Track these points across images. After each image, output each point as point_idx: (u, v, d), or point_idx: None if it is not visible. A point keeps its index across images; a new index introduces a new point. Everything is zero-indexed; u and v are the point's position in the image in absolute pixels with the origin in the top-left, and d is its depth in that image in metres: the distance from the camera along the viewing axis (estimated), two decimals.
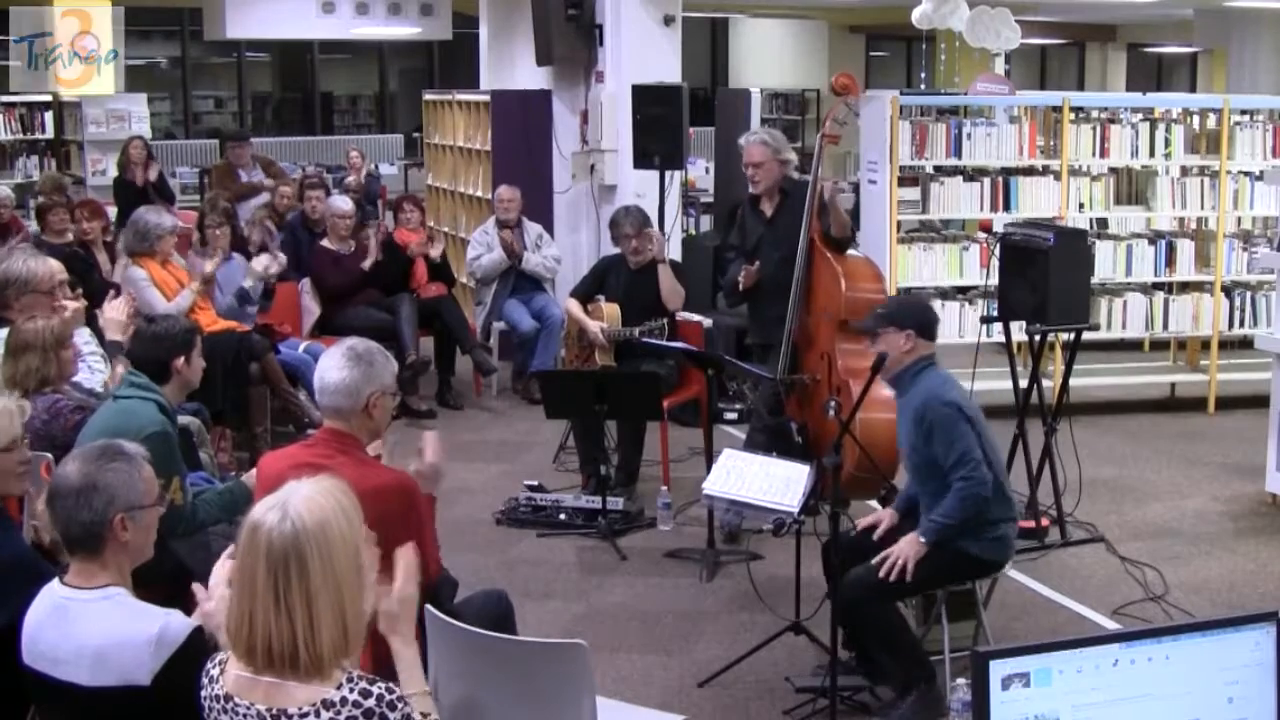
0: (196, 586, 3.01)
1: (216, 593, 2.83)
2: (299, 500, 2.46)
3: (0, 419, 3.56)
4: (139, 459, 2.98)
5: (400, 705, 2.46)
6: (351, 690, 2.43)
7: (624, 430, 6.79)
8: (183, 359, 4.47)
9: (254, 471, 4.69)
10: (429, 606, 3.36)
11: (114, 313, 5.54)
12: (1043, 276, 6.04)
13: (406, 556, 2.80)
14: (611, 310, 7.02)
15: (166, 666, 2.74)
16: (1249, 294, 8.65)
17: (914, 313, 4.66)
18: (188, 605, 2.95)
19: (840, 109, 6.27)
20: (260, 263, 7.77)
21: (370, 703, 2.42)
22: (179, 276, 7.29)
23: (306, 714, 2.41)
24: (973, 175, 8.44)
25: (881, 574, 4.37)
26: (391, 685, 2.49)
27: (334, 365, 3.57)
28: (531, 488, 6.68)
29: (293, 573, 2.40)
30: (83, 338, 5.41)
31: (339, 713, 2.41)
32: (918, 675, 4.46)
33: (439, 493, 3.84)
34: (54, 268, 5.54)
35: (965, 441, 4.39)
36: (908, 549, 4.38)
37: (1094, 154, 8.53)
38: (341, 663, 2.46)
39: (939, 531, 4.38)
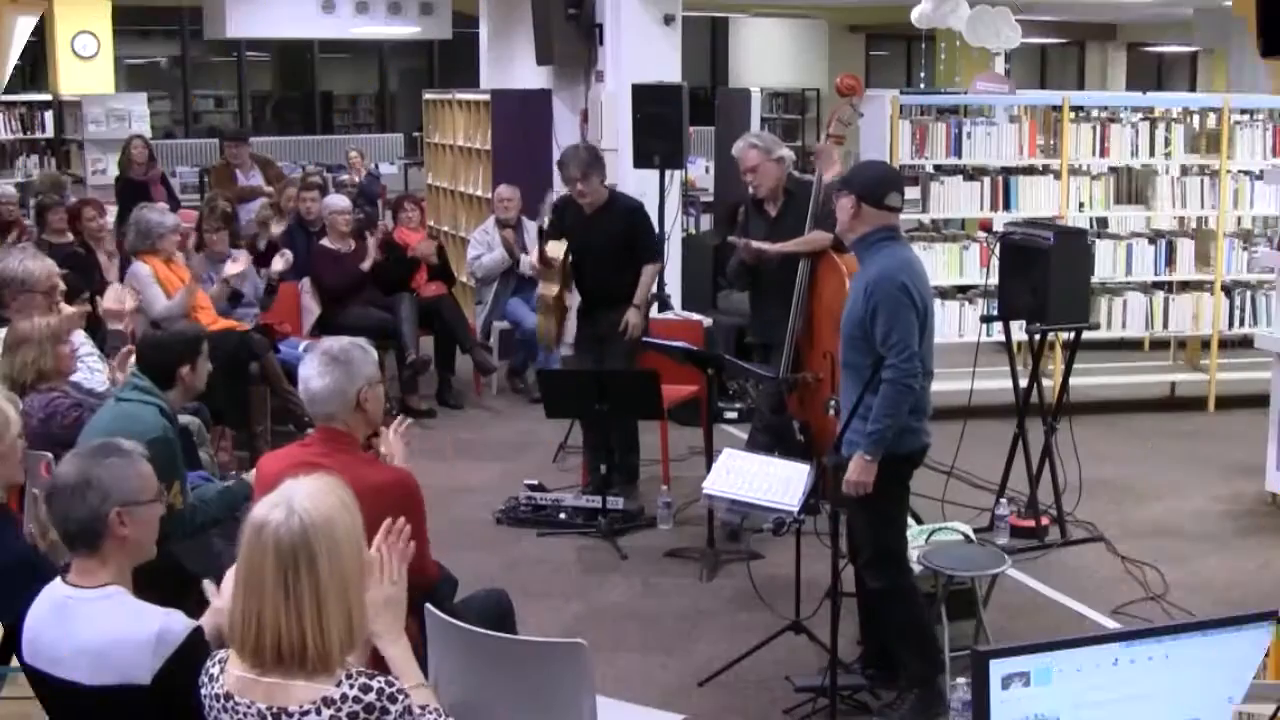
0: (208, 584, 3.02)
1: (227, 590, 2.84)
2: (302, 497, 2.46)
3: (8, 408, 3.57)
4: (136, 455, 2.98)
5: (401, 697, 2.46)
6: (351, 686, 2.43)
7: (616, 429, 6.79)
8: (188, 367, 4.48)
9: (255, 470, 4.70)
10: (429, 606, 3.36)
11: (113, 302, 5.55)
12: (1043, 276, 6.05)
13: (382, 558, 2.81)
14: (557, 247, 6.89)
15: (166, 665, 2.74)
16: (1249, 293, 8.66)
17: (863, 179, 4.47)
18: (187, 608, 2.95)
19: (845, 110, 6.27)
20: (280, 262, 7.80)
21: (370, 697, 2.43)
22: (181, 275, 7.30)
23: (307, 712, 2.41)
24: (973, 175, 8.44)
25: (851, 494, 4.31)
26: (390, 679, 2.50)
27: (314, 373, 3.58)
28: (532, 487, 6.68)
29: (302, 569, 2.41)
30: (79, 339, 5.41)
31: (340, 709, 2.41)
32: (930, 670, 4.46)
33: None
34: (51, 268, 5.55)
35: (906, 329, 4.25)
36: (858, 475, 4.28)
37: (1094, 153, 8.53)
38: (344, 660, 2.47)
39: (878, 440, 4.25)
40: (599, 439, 6.74)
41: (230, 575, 2.85)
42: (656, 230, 7.07)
